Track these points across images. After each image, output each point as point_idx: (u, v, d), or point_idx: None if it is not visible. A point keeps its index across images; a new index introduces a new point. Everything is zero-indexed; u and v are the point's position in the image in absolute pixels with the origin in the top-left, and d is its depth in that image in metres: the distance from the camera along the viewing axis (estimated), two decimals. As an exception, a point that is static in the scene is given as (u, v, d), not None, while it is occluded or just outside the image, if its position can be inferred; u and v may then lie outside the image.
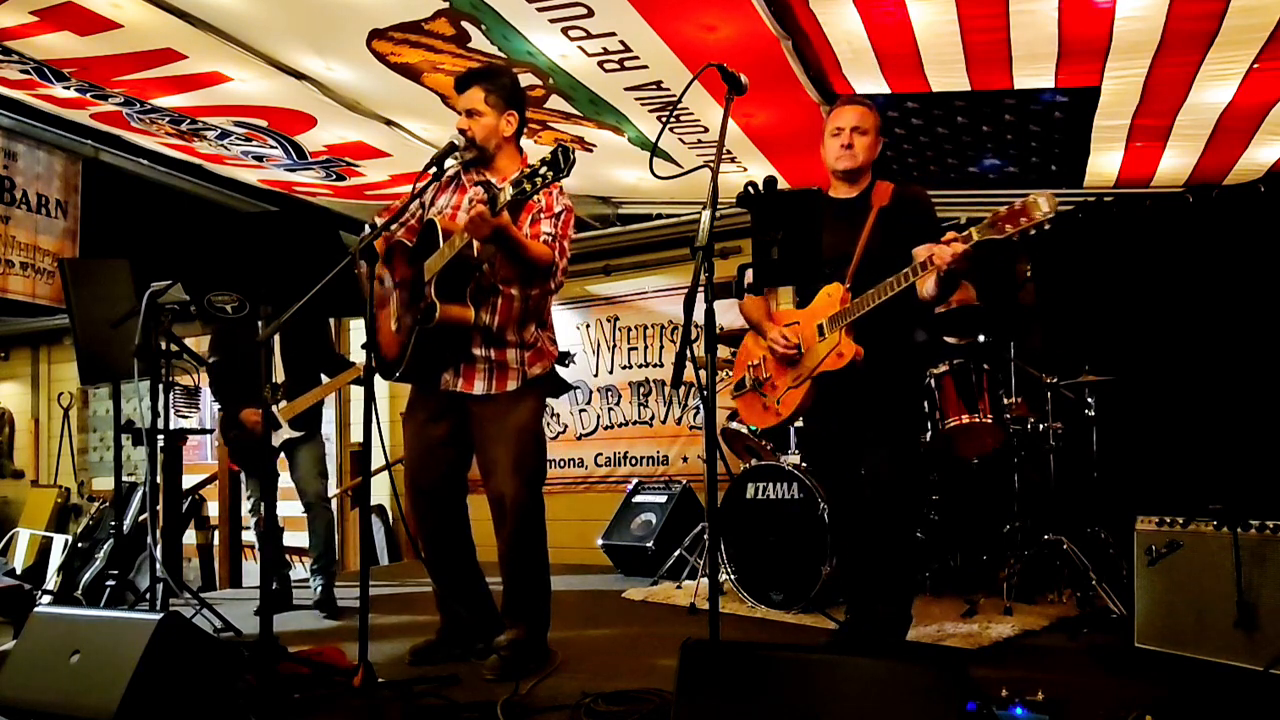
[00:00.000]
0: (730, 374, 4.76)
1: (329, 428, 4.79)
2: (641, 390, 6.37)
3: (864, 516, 3.03)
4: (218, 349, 4.39)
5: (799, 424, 3.73)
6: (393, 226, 3.04)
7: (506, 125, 2.99)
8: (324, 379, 4.28)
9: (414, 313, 2.87)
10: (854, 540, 3.13)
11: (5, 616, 5.44)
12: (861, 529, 3.08)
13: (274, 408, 4.09)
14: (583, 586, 4.91)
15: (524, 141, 3.15)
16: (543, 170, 2.50)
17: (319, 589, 4.19)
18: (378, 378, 2.87)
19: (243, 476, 4.77)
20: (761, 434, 4.42)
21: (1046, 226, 2.48)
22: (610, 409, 6.49)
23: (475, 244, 2.77)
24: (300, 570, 4.82)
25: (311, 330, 4.24)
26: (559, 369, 3.22)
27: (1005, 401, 3.98)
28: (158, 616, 2.35)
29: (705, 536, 4.35)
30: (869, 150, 3.05)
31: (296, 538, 4.68)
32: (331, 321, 4.68)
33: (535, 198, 2.88)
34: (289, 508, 4.35)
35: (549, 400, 3.40)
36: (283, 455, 4.28)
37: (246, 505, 4.64)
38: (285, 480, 4.34)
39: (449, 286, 2.82)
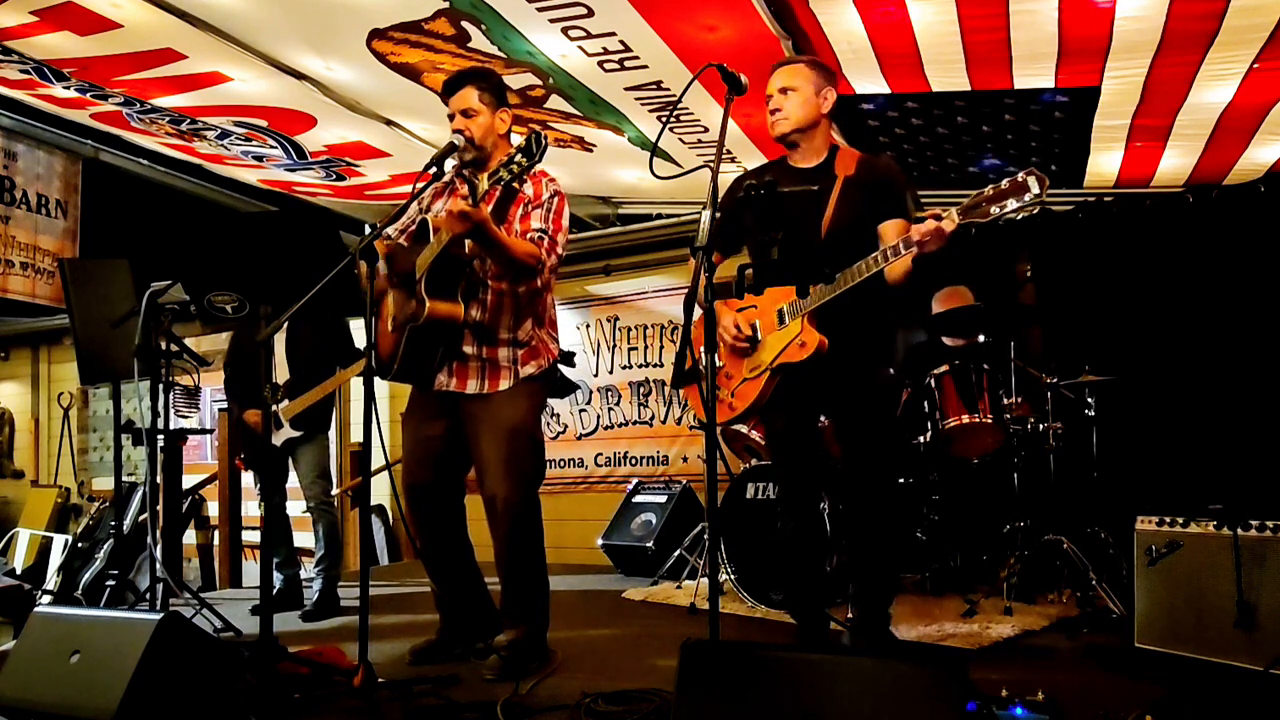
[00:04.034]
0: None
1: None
2: (641, 390, 6.37)
3: (847, 512, 3.01)
4: (232, 351, 4.42)
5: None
6: (391, 230, 3.06)
7: (500, 123, 3.01)
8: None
9: (406, 311, 2.88)
10: (810, 536, 2.98)
11: (5, 616, 5.45)
12: (816, 522, 3.05)
13: (276, 407, 4.10)
14: (583, 586, 4.91)
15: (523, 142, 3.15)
16: (518, 158, 2.57)
17: (317, 591, 4.19)
18: (378, 378, 2.88)
19: (252, 477, 4.77)
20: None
21: (1035, 210, 2.37)
22: (610, 409, 6.49)
23: (467, 242, 2.77)
24: (306, 570, 4.83)
25: (321, 328, 4.23)
26: (564, 369, 3.19)
27: (1005, 402, 3.99)
28: (158, 616, 2.35)
29: (705, 536, 4.34)
30: (803, 107, 2.75)
31: (304, 538, 4.68)
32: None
33: (524, 189, 2.92)
34: (297, 507, 4.36)
35: (550, 400, 3.38)
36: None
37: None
38: (294, 480, 4.35)
39: (439, 284, 2.82)
